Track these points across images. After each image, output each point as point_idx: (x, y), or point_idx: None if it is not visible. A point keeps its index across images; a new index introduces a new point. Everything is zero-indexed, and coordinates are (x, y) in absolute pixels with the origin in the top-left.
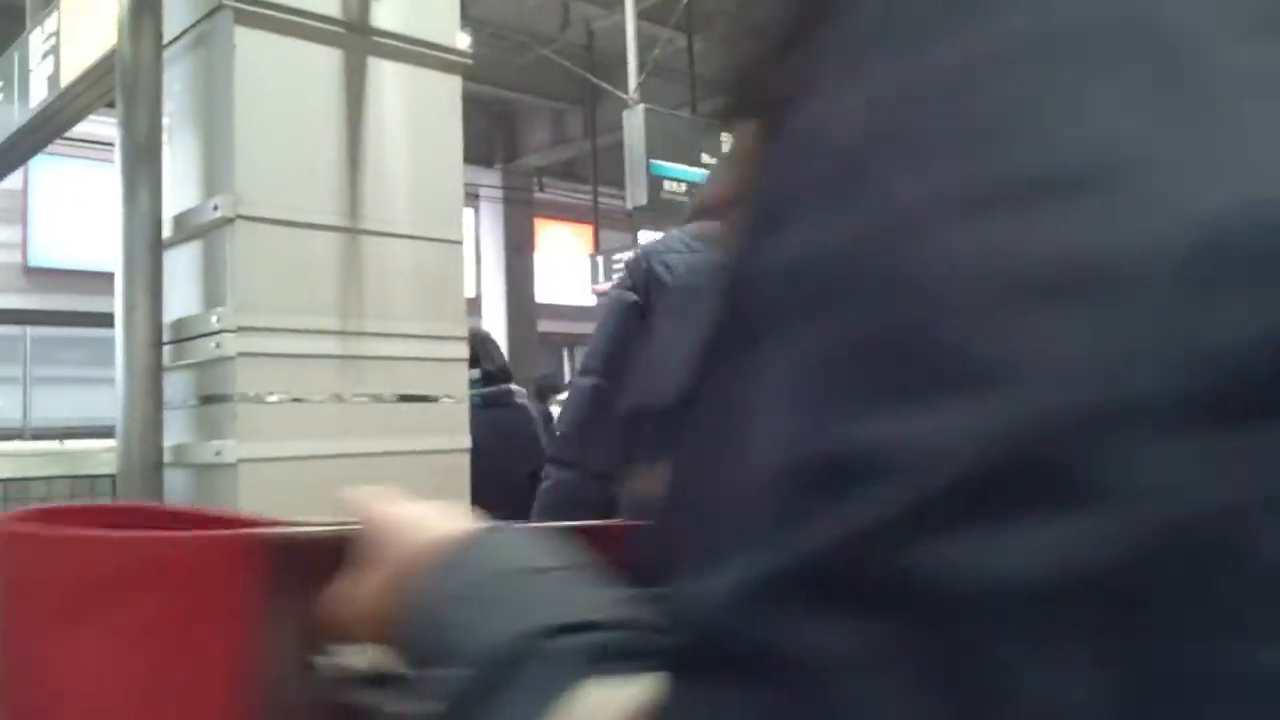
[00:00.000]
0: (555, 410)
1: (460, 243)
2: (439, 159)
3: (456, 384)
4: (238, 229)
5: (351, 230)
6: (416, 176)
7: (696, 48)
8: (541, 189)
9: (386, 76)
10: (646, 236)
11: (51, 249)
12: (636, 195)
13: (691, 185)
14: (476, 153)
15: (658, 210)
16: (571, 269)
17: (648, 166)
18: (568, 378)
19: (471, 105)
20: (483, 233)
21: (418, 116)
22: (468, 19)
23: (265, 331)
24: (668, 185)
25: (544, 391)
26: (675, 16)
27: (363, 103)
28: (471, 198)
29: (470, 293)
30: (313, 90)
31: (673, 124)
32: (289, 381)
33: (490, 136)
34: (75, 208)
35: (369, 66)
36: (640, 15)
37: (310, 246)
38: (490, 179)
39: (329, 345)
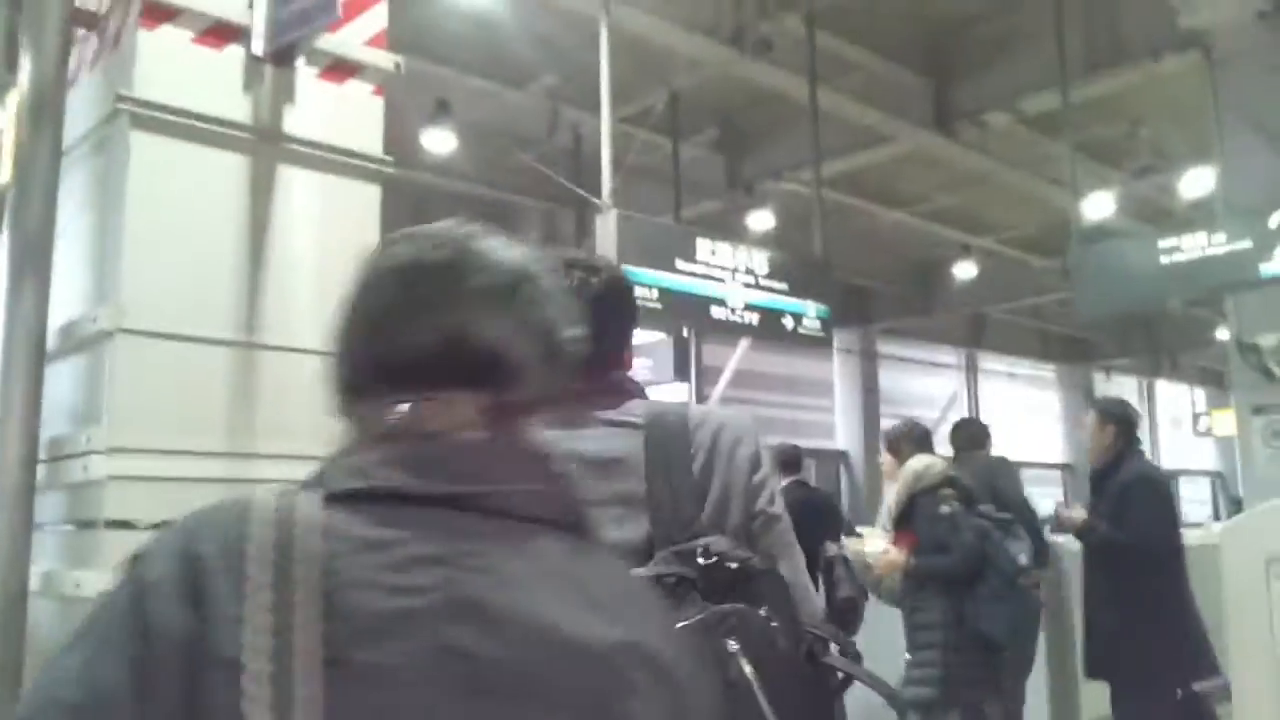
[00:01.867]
0: None
1: None
2: (352, 270)
3: None
4: (117, 342)
5: (247, 345)
6: (325, 288)
7: (680, 152)
8: None
9: (297, 184)
10: (641, 338)
11: None
12: None
13: (663, 292)
14: None
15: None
16: None
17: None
18: None
19: (462, 205)
20: None
21: (331, 225)
22: (453, 120)
23: (141, 452)
24: (639, 291)
25: None
26: (655, 118)
27: (269, 211)
28: None
29: None
30: (214, 198)
31: (647, 229)
32: (167, 506)
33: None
34: None
35: (278, 174)
36: (623, 119)
37: (200, 361)
38: None
39: (214, 468)
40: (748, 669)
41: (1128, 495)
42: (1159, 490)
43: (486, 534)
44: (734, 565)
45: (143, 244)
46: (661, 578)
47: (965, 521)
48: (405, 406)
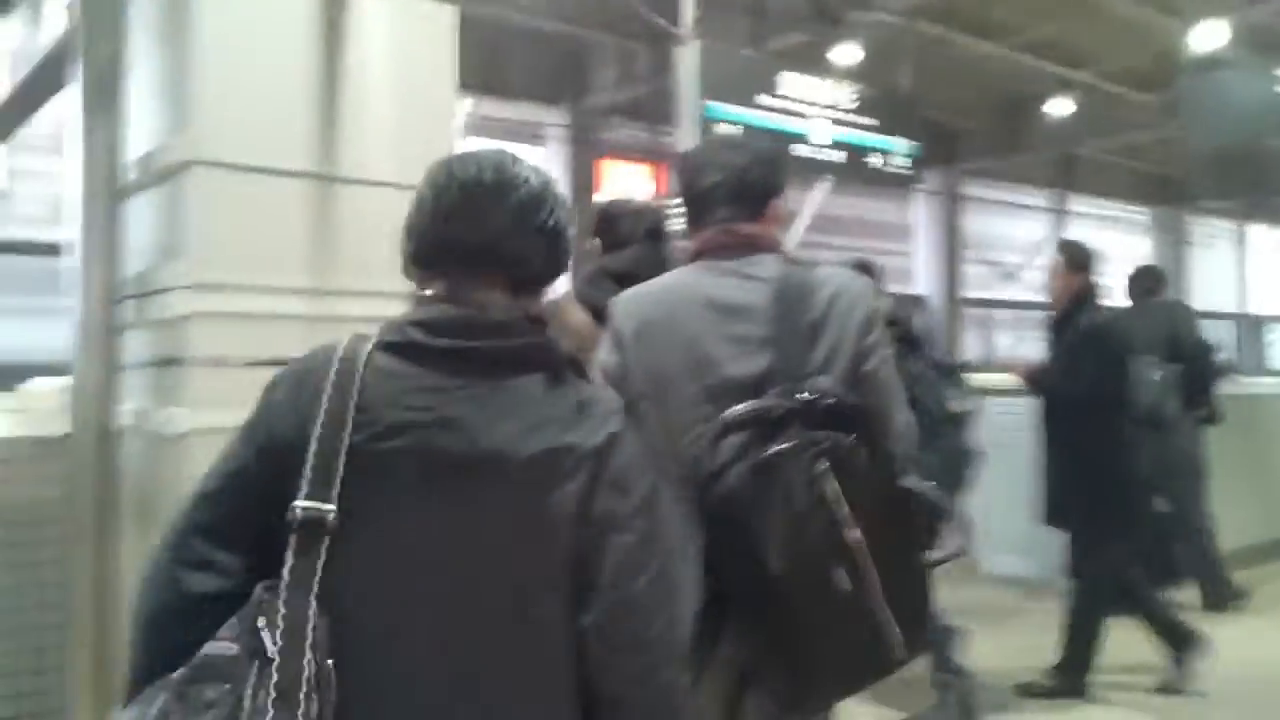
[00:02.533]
0: None
1: None
2: (429, 98)
3: None
4: (195, 174)
5: (326, 178)
6: (403, 118)
7: None
8: (608, 129)
9: (369, 8)
10: None
11: None
12: (688, 137)
13: (746, 129)
14: (543, 91)
15: None
16: None
17: (700, 107)
18: None
19: (536, 42)
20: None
21: (405, 50)
22: None
23: (223, 288)
24: (721, 129)
25: None
26: None
27: (342, 34)
28: (538, 136)
29: None
30: (286, 22)
31: (728, 62)
32: (252, 343)
33: (557, 74)
34: None
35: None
36: None
37: (278, 194)
38: (557, 117)
39: (296, 304)
40: (834, 485)
41: (1081, 345)
42: (1111, 343)
43: (477, 374)
44: (831, 401)
45: (216, 73)
46: (770, 409)
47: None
48: (442, 281)
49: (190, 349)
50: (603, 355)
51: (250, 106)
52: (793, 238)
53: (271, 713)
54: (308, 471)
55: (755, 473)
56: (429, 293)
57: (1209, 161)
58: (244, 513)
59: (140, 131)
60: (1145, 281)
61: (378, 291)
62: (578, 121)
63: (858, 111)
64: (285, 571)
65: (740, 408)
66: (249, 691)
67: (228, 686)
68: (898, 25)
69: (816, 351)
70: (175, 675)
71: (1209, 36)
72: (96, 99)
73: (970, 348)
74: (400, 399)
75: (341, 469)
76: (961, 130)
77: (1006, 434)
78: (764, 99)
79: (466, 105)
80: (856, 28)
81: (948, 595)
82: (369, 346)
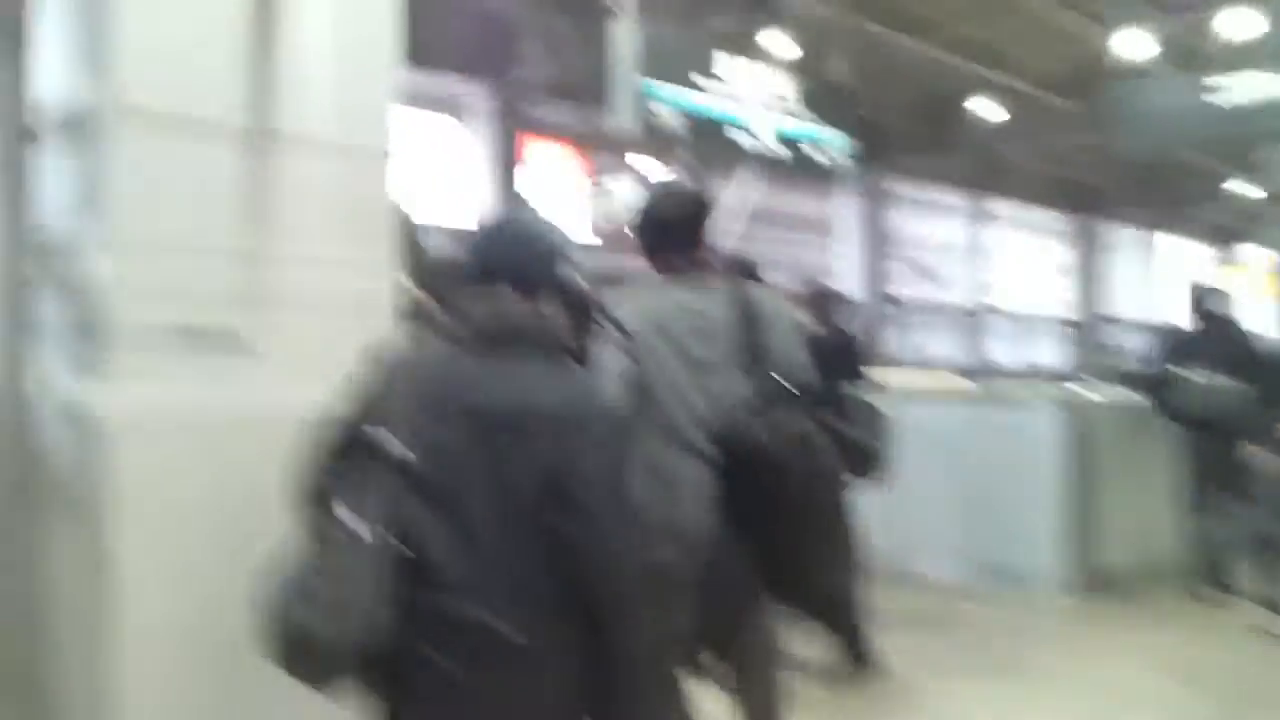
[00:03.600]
0: None
1: (385, 154)
2: (371, 53)
3: (379, 316)
4: (115, 121)
5: (261, 132)
6: (343, 73)
7: None
8: (532, 105)
9: None
10: (637, 161)
11: None
12: (622, 116)
13: (684, 113)
14: (465, 64)
15: (645, 135)
16: (562, 192)
17: (639, 85)
18: None
19: (462, 13)
20: (469, 149)
21: (345, 9)
22: None
23: (148, 249)
24: (656, 108)
25: None
26: None
27: None
28: (458, 110)
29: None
30: None
31: (667, 41)
32: (176, 311)
33: (482, 47)
34: None
35: None
36: None
37: (209, 149)
38: (480, 92)
39: (224, 270)
40: (824, 438)
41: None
42: None
43: (505, 358)
44: (800, 383)
45: (139, 12)
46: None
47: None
48: (488, 294)
49: (110, 315)
50: (617, 340)
51: (177, 49)
52: (732, 230)
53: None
54: (398, 425)
55: (773, 430)
56: (479, 300)
57: (1122, 170)
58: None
59: (54, 74)
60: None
61: (314, 258)
62: (502, 96)
63: (796, 102)
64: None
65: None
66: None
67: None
68: (828, 17)
69: (759, 343)
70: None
71: (1131, 45)
72: None
73: (892, 344)
74: (446, 380)
75: (405, 435)
76: (887, 127)
77: (935, 436)
78: (699, 80)
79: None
80: (788, 16)
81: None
82: (427, 343)
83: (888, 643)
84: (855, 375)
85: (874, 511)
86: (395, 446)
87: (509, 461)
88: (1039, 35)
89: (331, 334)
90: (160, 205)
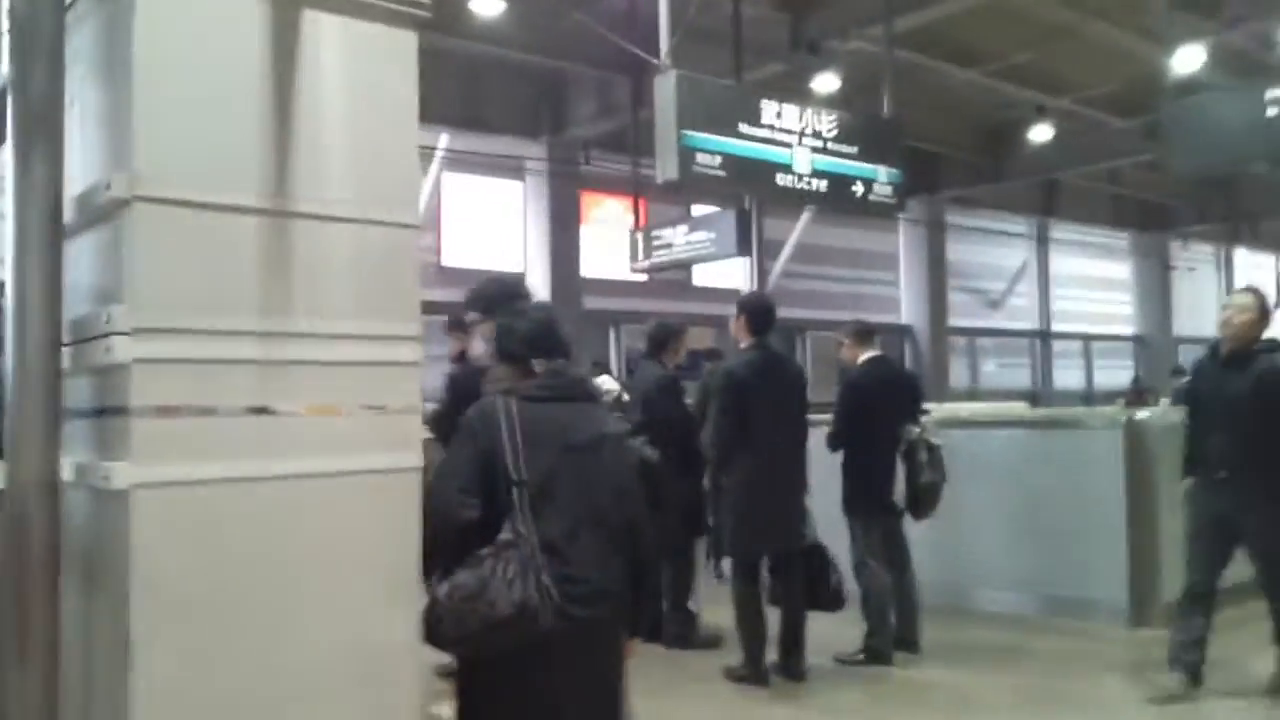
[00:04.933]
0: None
1: (414, 226)
2: (389, 128)
3: (406, 392)
4: (135, 211)
5: (278, 213)
6: (361, 149)
7: (741, 11)
8: (588, 161)
9: (325, 30)
10: (700, 210)
11: None
12: (667, 168)
13: (726, 158)
14: (522, 124)
15: (690, 184)
16: (619, 244)
17: (679, 137)
18: (615, 357)
19: (516, 75)
20: (528, 207)
21: (363, 78)
22: None
23: (167, 333)
24: (701, 158)
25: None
26: None
27: (295, 61)
28: (517, 171)
29: (517, 268)
30: (234, 47)
31: (709, 91)
32: (198, 391)
33: (536, 107)
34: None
35: (303, 19)
36: None
37: (226, 232)
38: (536, 151)
39: (246, 349)
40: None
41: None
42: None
43: (574, 404)
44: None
45: (156, 102)
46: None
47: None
48: (550, 364)
49: (133, 398)
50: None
51: (195, 139)
52: (776, 267)
53: (520, 565)
54: (509, 459)
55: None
56: (546, 368)
57: (1189, 187)
58: (478, 480)
59: (80, 169)
60: None
61: (335, 334)
62: (557, 154)
63: (839, 139)
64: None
65: None
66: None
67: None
68: (877, 53)
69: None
70: (482, 552)
71: (1187, 61)
72: (34, 131)
73: (957, 376)
74: (540, 422)
75: (519, 460)
76: (943, 158)
77: (994, 464)
78: (745, 128)
79: (443, 140)
80: (836, 56)
81: (944, 634)
82: (512, 398)
83: (950, 676)
84: (915, 412)
85: (931, 544)
86: (519, 472)
87: (589, 473)
88: (1095, 56)
89: (354, 406)
90: (180, 288)
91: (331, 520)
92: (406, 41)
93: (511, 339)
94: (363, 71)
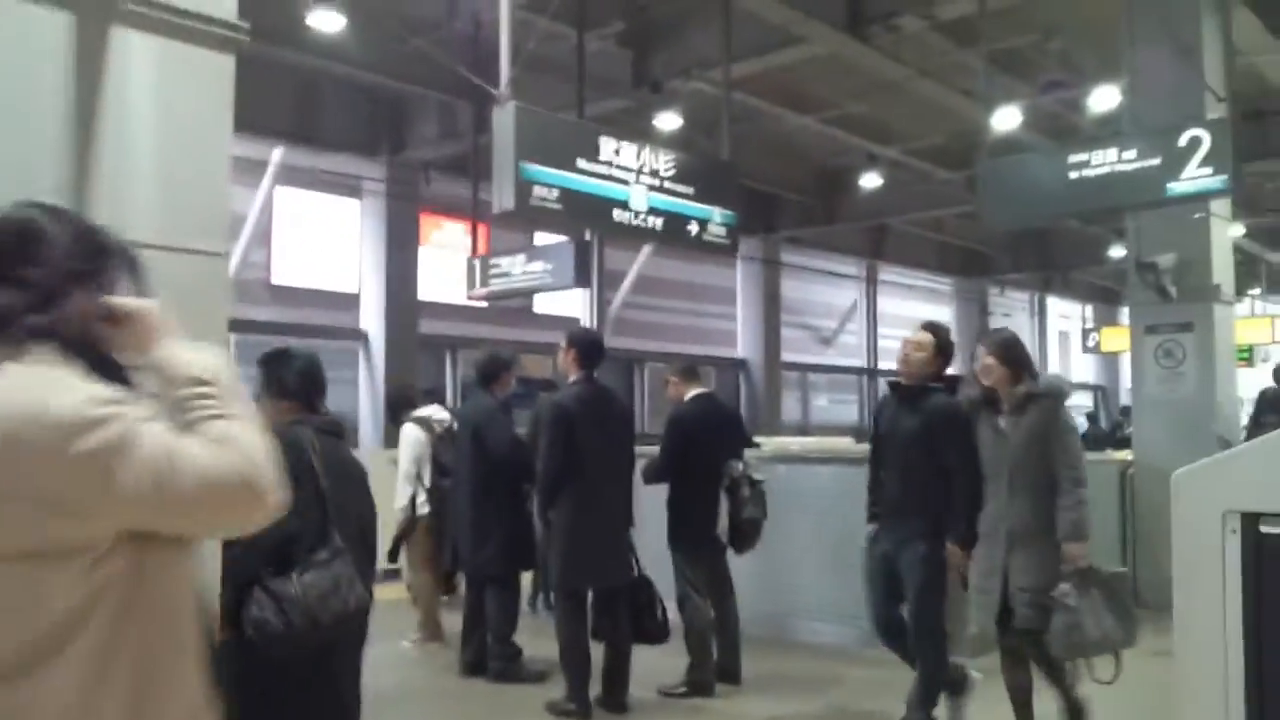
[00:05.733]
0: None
1: (222, 255)
2: (201, 153)
3: None
4: None
5: None
6: (171, 174)
7: (585, 45)
8: (429, 183)
9: (135, 50)
10: (542, 239)
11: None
12: (504, 199)
13: (564, 192)
14: (360, 142)
15: (526, 216)
16: (458, 267)
17: (516, 169)
18: (451, 383)
19: (355, 92)
20: (365, 226)
21: (175, 102)
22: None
23: None
24: (538, 190)
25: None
26: (558, 6)
27: (101, 80)
28: (354, 189)
29: (351, 289)
30: (31, 62)
31: (548, 124)
32: None
33: (375, 126)
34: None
35: (112, 36)
36: (524, 5)
37: None
38: (374, 170)
39: None
40: None
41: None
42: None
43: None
44: None
45: None
46: None
47: None
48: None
49: None
50: None
51: None
52: (616, 299)
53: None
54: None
55: None
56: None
57: (1007, 237)
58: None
59: None
60: None
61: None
62: (396, 175)
63: (676, 179)
64: None
65: None
66: None
67: None
68: (716, 95)
69: None
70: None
71: (1005, 120)
72: None
73: (789, 410)
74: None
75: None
76: (779, 199)
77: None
78: (584, 163)
79: (275, 154)
80: (676, 96)
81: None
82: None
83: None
84: (739, 448)
85: (754, 576)
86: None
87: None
88: (922, 111)
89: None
90: None
91: None
92: (223, 65)
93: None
94: (175, 95)
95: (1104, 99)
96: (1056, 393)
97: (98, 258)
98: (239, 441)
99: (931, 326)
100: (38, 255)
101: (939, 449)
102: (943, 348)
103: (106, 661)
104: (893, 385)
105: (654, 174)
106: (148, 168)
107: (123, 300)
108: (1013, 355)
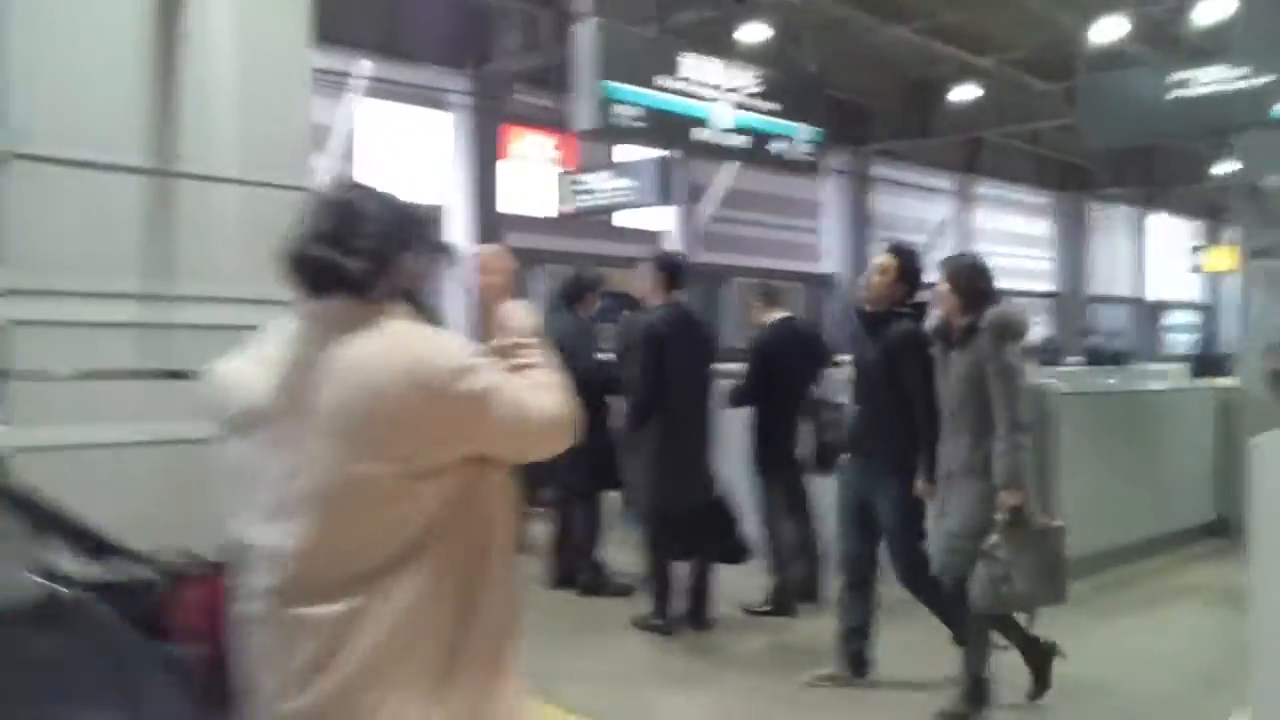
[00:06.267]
0: None
1: (303, 189)
2: (281, 87)
3: None
4: (13, 170)
5: (163, 173)
6: (249, 108)
7: None
8: (512, 94)
9: None
10: (625, 153)
11: None
12: (585, 117)
13: (644, 110)
14: (445, 55)
15: (607, 134)
16: (540, 180)
17: (598, 87)
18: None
19: (441, 3)
20: (449, 140)
21: (253, 41)
22: None
23: (46, 294)
24: (618, 109)
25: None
26: None
27: (182, 22)
28: (438, 102)
29: (436, 201)
30: (115, 8)
31: (628, 41)
32: (79, 355)
33: (460, 38)
34: None
35: None
36: None
37: (109, 192)
38: (459, 83)
39: (128, 312)
40: None
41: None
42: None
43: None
44: None
45: (34, 59)
46: None
47: None
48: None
49: (11, 361)
50: None
51: (75, 95)
52: (703, 214)
53: None
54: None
55: None
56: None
57: (1108, 152)
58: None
59: None
60: None
61: (217, 297)
62: (481, 88)
63: (760, 95)
64: None
65: None
66: None
67: None
68: (801, 4)
69: None
70: None
71: (1107, 30)
72: None
73: None
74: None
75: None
76: (869, 111)
77: None
78: (664, 80)
79: (365, 68)
80: (761, 6)
81: None
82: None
83: None
84: (823, 368)
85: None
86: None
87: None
88: (1020, 20)
89: None
90: (61, 250)
91: None
92: (299, 3)
93: None
94: (253, 34)
95: (1211, 9)
96: (999, 328)
97: (409, 225)
98: (555, 387)
99: (896, 248)
100: (364, 229)
101: (899, 378)
102: (907, 272)
103: (440, 574)
104: (858, 312)
105: (736, 90)
106: (229, 105)
107: (492, 252)
108: (967, 283)
